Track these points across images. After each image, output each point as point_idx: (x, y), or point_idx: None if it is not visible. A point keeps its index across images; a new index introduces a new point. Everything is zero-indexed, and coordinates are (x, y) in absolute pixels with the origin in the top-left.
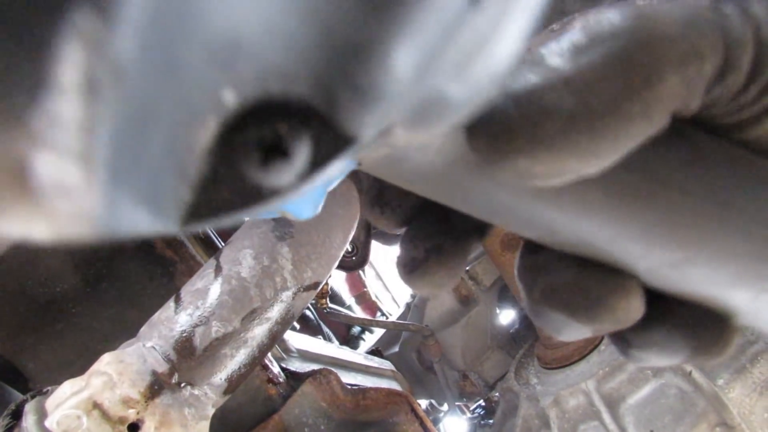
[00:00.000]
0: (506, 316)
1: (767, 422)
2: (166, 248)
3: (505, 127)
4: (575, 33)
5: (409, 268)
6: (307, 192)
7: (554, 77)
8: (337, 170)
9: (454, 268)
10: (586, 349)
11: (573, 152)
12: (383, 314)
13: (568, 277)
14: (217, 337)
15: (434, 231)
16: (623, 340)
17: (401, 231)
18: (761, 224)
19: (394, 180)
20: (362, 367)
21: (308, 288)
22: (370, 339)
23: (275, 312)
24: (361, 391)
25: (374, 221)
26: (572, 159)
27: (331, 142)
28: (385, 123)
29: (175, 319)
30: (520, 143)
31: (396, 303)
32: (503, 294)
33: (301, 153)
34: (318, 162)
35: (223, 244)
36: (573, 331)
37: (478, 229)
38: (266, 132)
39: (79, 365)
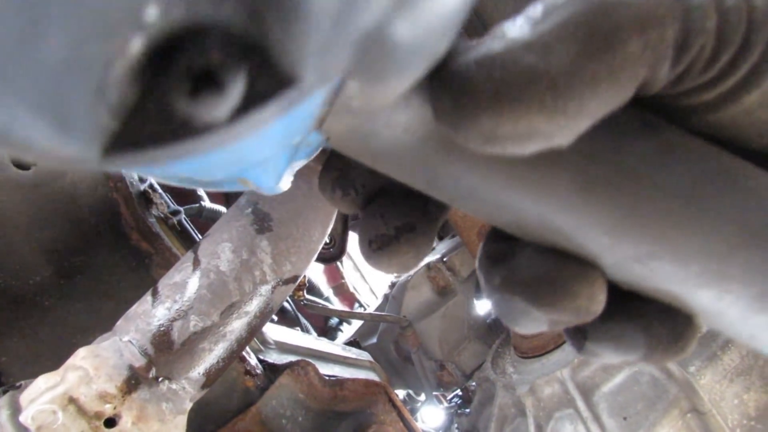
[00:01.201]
0: (483, 307)
1: (737, 408)
2: (142, 240)
3: (467, 86)
4: (533, 8)
5: (377, 246)
6: (266, 156)
7: (515, 43)
8: (275, 111)
9: (423, 247)
10: (562, 338)
11: (539, 110)
12: (361, 305)
13: (532, 264)
14: (195, 331)
15: (405, 208)
16: (579, 333)
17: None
18: (728, 223)
19: (363, 158)
20: (340, 359)
21: (287, 281)
22: (348, 330)
23: (254, 306)
24: (339, 382)
25: (334, 203)
26: (538, 117)
27: (269, 78)
28: (328, 67)
29: (152, 313)
30: (483, 99)
31: (374, 294)
32: (480, 284)
33: (236, 87)
34: (253, 99)
35: (200, 237)
36: (530, 322)
37: (446, 208)
38: (197, 60)
39: (53, 359)
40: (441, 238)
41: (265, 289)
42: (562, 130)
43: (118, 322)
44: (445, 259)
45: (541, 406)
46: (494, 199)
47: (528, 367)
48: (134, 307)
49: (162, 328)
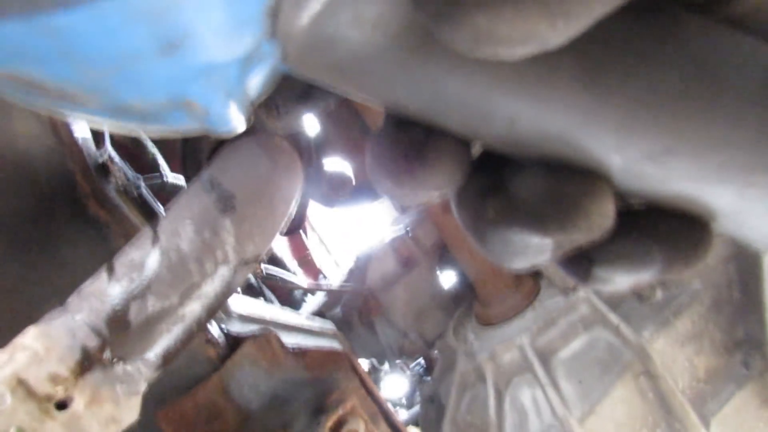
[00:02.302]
0: (446, 277)
1: (688, 370)
2: (99, 209)
3: None
4: None
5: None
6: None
7: None
8: None
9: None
10: (521, 305)
11: (540, 12)
12: (325, 277)
13: (531, 186)
14: (152, 312)
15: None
16: (582, 260)
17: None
18: (753, 106)
19: (327, 75)
20: (303, 328)
21: (249, 261)
22: (312, 300)
23: (215, 286)
24: (302, 351)
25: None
26: (539, 20)
27: None
28: None
29: (107, 291)
30: None
31: (338, 266)
32: (444, 255)
33: None
34: None
35: (159, 206)
36: (532, 253)
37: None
38: None
39: (9, 331)
40: (404, 209)
41: (226, 270)
42: (560, 33)
43: (71, 299)
44: (408, 230)
45: (500, 372)
46: (483, 106)
47: (488, 334)
48: (88, 283)
49: (118, 308)
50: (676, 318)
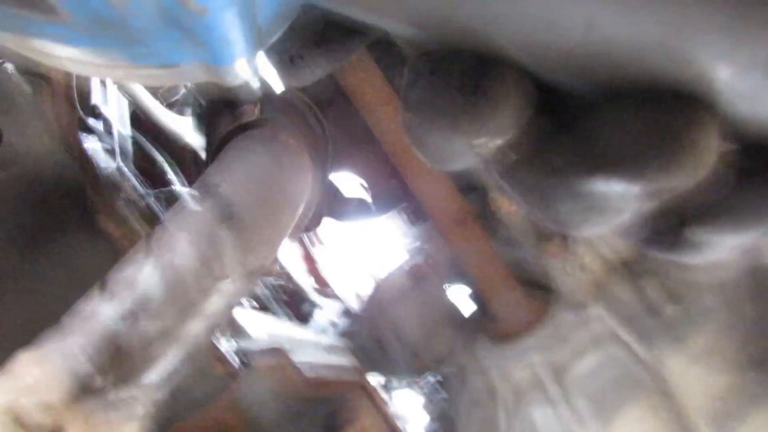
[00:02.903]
0: (457, 294)
1: (702, 389)
2: (109, 223)
3: None
4: None
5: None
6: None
7: None
8: None
9: None
10: (533, 323)
11: None
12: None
13: (620, 121)
14: (147, 333)
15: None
16: (671, 223)
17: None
18: None
19: None
20: (313, 344)
21: (251, 274)
22: (320, 316)
23: (213, 304)
24: (313, 369)
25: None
26: None
27: None
28: None
29: (100, 311)
30: None
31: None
32: (455, 272)
33: None
34: None
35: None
36: (612, 207)
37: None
38: None
39: (20, 345)
40: (414, 224)
41: (225, 285)
42: None
43: (65, 319)
44: (419, 245)
45: (513, 390)
46: (554, 4)
47: (499, 351)
48: (81, 302)
49: (111, 330)
50: (690, 335)
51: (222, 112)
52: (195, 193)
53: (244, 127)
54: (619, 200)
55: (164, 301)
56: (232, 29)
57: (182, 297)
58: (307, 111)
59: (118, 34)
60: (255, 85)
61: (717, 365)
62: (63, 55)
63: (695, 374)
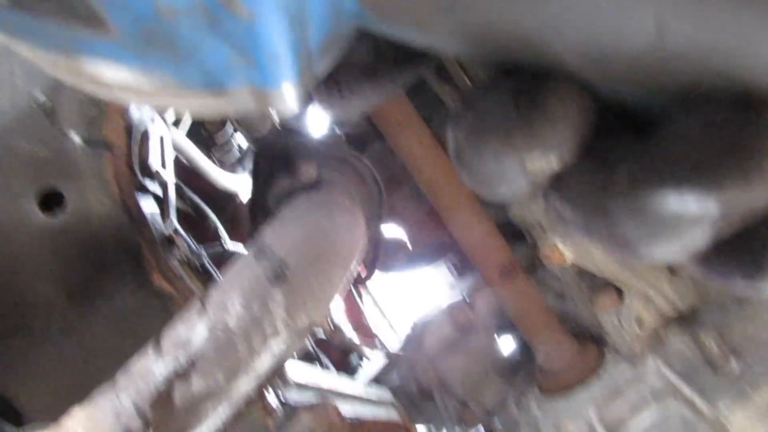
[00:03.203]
0: (506, 344)
1: None
2: (164, 281)
3: None
4: None
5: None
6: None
7: None
8: None
9: None
10: (587, 375)
11: None
12: (382, 344)
13: (692, 128)
14: (198, 393)
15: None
16: (752, 243)
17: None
18: None
19: (414, 14)
20: (361, 397)
21: (302, 333)
22: (368, 368)
23: (264, 363)
24: (360, 424)
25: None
26: None
27: None
28: None
29: (152, 370)
30: None
31: (393, 330)
32: (502, 322)
33: None
34: None
35: (220, 276)
36: (687, 224)
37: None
38: None
39: (74, 400)
40: (461, 275)
41: (276, 346)
42: None
43: (118, 376)
44: (466, 297)
45: None
46: (622, 6)
47: (552, 405)
48: (135, 359)
49: (162, 388)
50: (754, 390)
51: (279, 169)
52: (249, 253)
53: (301, 188)
54: (693, 216)
55: (215, 361)
56: (279, 41)
57: (233, 356)
58: (361, 167)
59: (167, 50)
60: (304, 125)
61: None
62: (113, 79)
63: (762, 431)
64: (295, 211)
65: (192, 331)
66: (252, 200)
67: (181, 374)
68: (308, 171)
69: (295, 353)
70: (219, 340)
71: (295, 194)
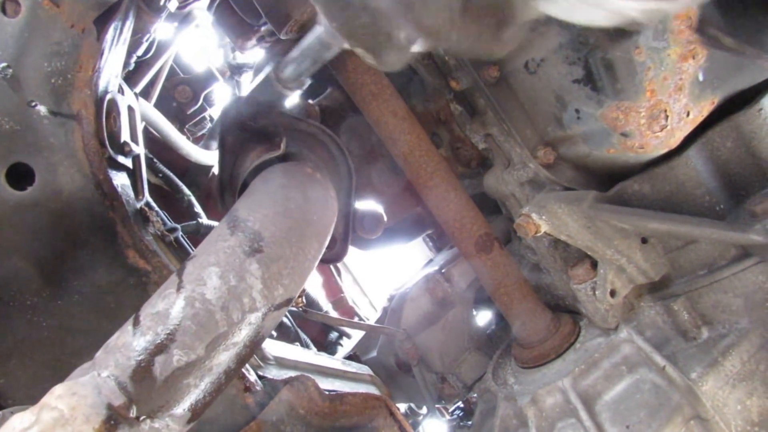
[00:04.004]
0: (483, 318)
1: (740, 414)
2: (139, 258)
3: None
4: None
5: None
6: None
7: None
8: None
9: None
10: (562, 347)
11: None
12: (361, 319)
13: None
14: (179, 366)
15: None
16: None
17: None
18: None
19: None
20: (340, 373)
21: (279, 306)
22: (347, 344)
23: (243, 335)
24: (339, 397)
25: None
26: None
27: None
28: None
29: (133, 345)
30: None
31: (373, 307)
32: (479, 295)
33: None
34: None
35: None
36: None
37: None
38: None
39: (52, 380)
40: (439, 250)
41: (255, 317)
42: None
43: (98, 354)
44: (443, 271)
45: (543, 417)
46: None
47: (529, 377)
48: (115, 336)
49: (143, 363)
50: (725, 358)
51: (248, 144)
52: (223, 225)
53: (270, 161)
54: None
55: (195, 333)
56: None
57: (212, 328)
58: (330, 142)
59: None
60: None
61: (755, 389)
62: None
63: (733, 398)
64: (267, 184)
65: (170, 305)
66: (220, 174)
67: (161, 347)
68: (277, 144)
69: (273, 329)
70: (197, 312)
71: (266, 168)
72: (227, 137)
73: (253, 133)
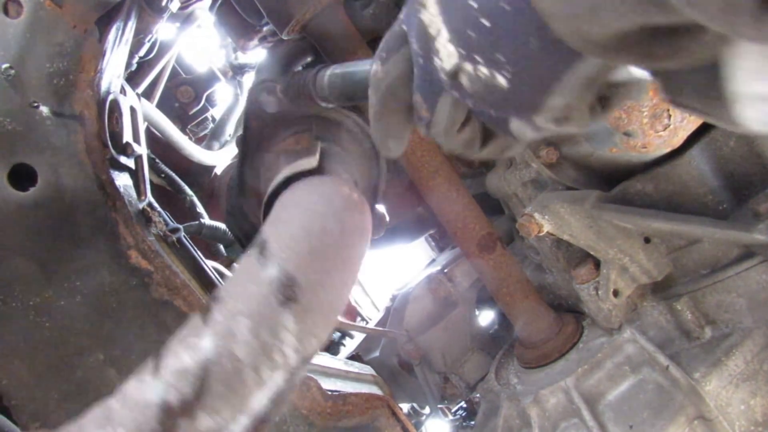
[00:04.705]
0: (485, 317)
1: (744, 413)
2: (141, 258)
3: None
4: None
5: None
6: None
7: None
8: None
9: None
10: (565, 347)
11: None
12: (363, 319)
13: None
14: (199, 428)
15: None
16: None
17: None
18: None
19: None
20: (342, 373)
21: (311, 357)
22: (350, 344)
23: (271, 393)
24: (342, 397)
25: None
26: None
27: None
28: None
29: (153, 400)
30: None
31: (375, 307)
32: (482, 295)
33: None
34: None
35: (199, 254)
36: None
37: None
38: None
39: (54, 381)
40: (441, 250)
41: (285, 373)
42: None
43: (113, 403)
44: (445, 271)
45: (546, 417)
46: None
47: (532, 377)
48: (132, 385)
49: (166, 425)
50: (728, 357)
51: (274, 131)
52: (252, 259)
53: (300, 174)
54: None
55: (222, 395)
56: None
57: (240, 389)
58: (363, 137)
59: None
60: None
61: (759, 389)
62: None
63: (737, 398)
64: (302, 211)
65: (196, 360)
66: (239, 172)
67: (186, 409)
68: (308, 147)
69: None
70: (226, 371)
71: (295, 182)
72: (252, 121)
73: (276, 123)
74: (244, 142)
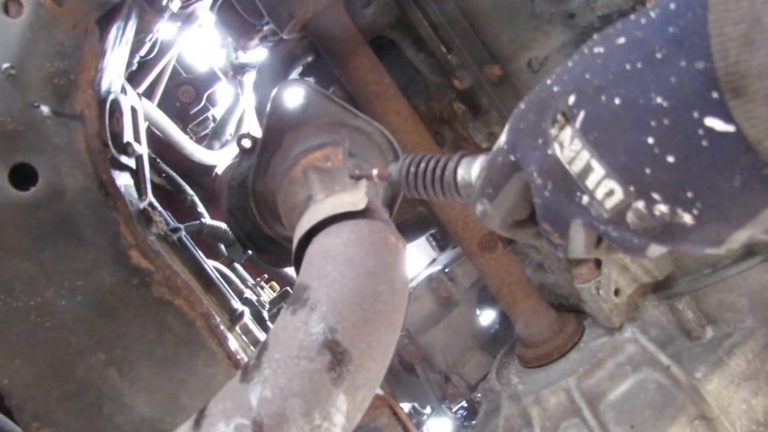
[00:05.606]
0: (486, 317)
1: (746, 413)
2: (142, 258)
3: None
4: None
5: None
6: None
7: None
8: None
9: None
10: (566, 346)
11: None
12: None
13: None
14: None
15: None
16: None
17: None
18: None
19: None
20: None
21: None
22: None
23: None
24: None
25: None
26: None
27: None
28: None
29: None
30: None
31: None
32: (483, 294)
33: None
34: None
35: (200, 254)
36: None
37: None
38: None
39: (55, 381)
40: (442, 249)
41: None
42: None
43: None
44: (446, 270)
45: (548, 416)
46: None
47: (533, 376)
48: None
49: None
50: (730, 357)
51: (292, 142)
52: (299, 323)
53: (341, 216)
54: None
55: None
56: None
57: None
58: (388, 148)
59: None
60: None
61: (761, 388)
62: None
63: (738, 398)
64: (349, 265)
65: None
66: (257, 165)
67: None
68: (335, 154)
69: None
70: None
71: (338, 222)
72: (273, 120)
73: (303, 123)
74: (261, 141)
